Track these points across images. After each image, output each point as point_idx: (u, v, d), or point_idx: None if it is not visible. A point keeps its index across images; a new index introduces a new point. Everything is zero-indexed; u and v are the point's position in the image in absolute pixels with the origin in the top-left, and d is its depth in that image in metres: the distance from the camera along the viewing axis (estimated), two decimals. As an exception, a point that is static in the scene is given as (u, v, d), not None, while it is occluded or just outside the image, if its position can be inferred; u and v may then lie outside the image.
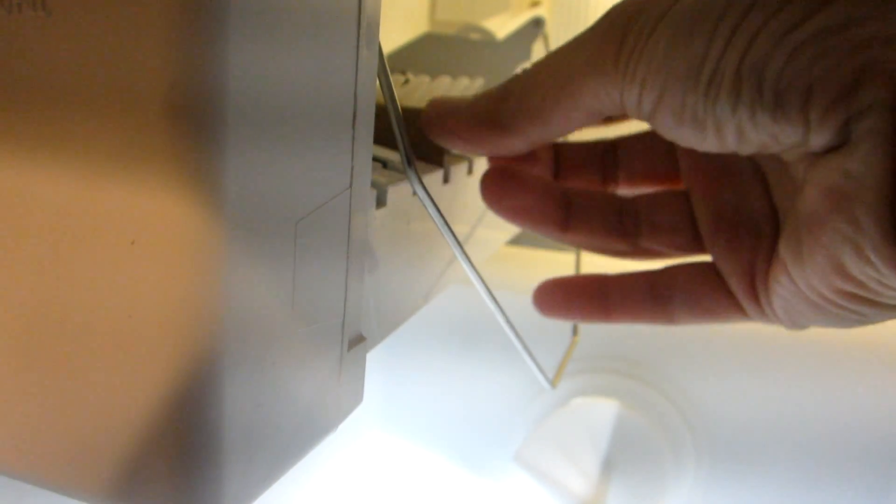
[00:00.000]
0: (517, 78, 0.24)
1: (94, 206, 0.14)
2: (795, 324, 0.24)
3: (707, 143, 0.21)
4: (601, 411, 0.53)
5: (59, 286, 0.15)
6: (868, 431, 0.52)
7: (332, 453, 0.57)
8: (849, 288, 0.20)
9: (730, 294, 0.25)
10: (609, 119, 0.25)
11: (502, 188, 0.27)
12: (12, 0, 0.14)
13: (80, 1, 0.13)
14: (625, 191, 0.30)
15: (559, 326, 0.48)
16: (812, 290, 0.21)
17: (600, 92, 0.22)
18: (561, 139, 0.26)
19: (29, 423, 0.16)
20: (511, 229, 0.45)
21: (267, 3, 0.14)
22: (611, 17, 0.22)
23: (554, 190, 0.28)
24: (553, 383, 0.37)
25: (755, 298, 0.24)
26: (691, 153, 0.27)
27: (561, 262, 0.57)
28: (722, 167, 0.26)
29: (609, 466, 0.53)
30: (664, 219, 0.27)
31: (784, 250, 0.22)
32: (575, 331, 0.44)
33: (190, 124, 0.13)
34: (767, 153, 0.21)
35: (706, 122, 0.20)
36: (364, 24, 0.18)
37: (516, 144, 0.24)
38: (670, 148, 0.28)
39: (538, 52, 0.48)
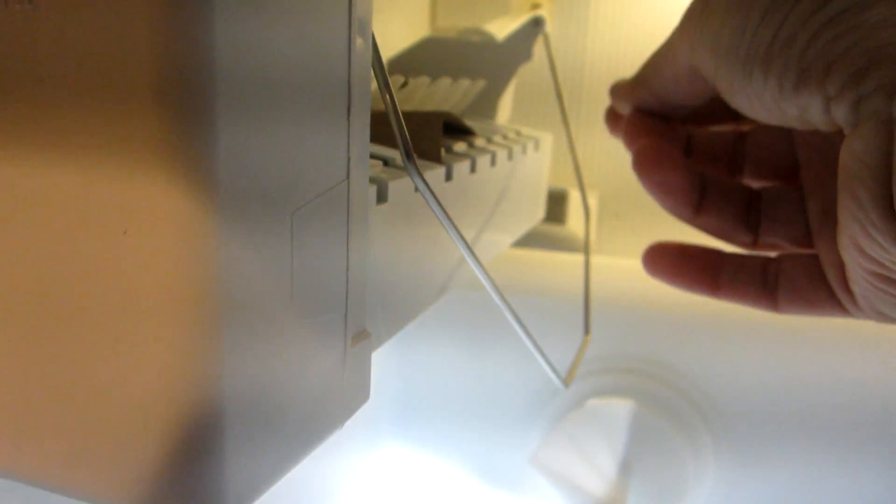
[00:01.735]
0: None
1: (84, 197, 0.14)
2: (878, 314, 0.24)
3: (756, 111, 0.23)
4: (617, 412, 0.52)
5: (51, 278, 0.15)
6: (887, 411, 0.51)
7: (349, 463, 0.57)
8: (873, 267, 0.21)
9: (830, 288, 0.26)
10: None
11: (656, 162, 0.29)
12: (-1, -5, 0.14)
13: (65, -7, 0.13)
14: (750, 182, 0.31)
15: (570, 326, 0.48)
16: (857, 272, 0.22)
17: (683, 59, 0.25)
18: (691, 121, 0.31)
19: (24, 421, 0.16)
20: (516, 231, 0.45)
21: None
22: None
23: (694, 173, 0.30)
24: (566, 383, 0.37)
25: (848, 291, 0.25)
26: (807, 146, 0.28)
27: (569, 263, 0.57)
28: (831, 162, 0.27)
29: (627, 468, 0.52)
30: (782, 212, 0.29)
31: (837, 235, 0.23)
32: (587, 329, 0.43)
33: (179, 109, 0.13)
34: (817, 127, 0.22)
35: (748, 92, 0.23)
36: (356, 13, 0.18)
37: (646, 97, 0.30)
38: (792, 142, 0.30)
39: (539, 52, 0.48)
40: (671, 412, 0.53)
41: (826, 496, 0.53)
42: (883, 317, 0.24)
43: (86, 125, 0.14)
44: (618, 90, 0.32)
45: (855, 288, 0.24)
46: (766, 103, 0.23)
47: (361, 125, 0.19)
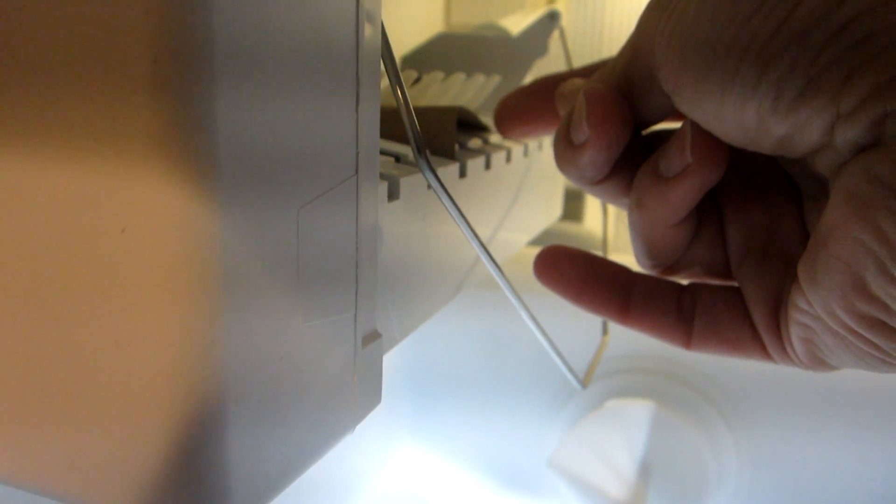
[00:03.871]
0: None
1: (81, 190, 0.14)
2: (815, 361, 0.21)
3: (725, 125, 0.19)
4: (637, 413, 0.51)
5: (48, 276, 0.14)
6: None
7: (364, 464, 0.56)
8: (871, 311, 0.17)
9: (752, 326, 0.23)
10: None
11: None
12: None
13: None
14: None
15: (588, 326, 0.47)
16: (830, 314, 0.19)
17: (643, 55, 0.21)
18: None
19: (22, 425, 0.16)
20: (532, 229, 0.44)
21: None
22: None
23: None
24: (584, 383, 0.36)
25: (776, 331, 0.22)
26: (729, 169, 0.23)
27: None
28: (757, 186, 0.24)
29: (647, 470, 0.51)
30: (699, 236, 0.24)
31: (801, 269, 0.19)
32: (605, 329, 0.42)
33: (177, 96, 0.13)
34: (790, 155, 0.19)
35: (722, 100, 0.18)
36: (363, 7, 0.17)
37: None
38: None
39: (555, 47, 0.47)
40: (692, 412, 0.52)
41: (850, 494, 0.52)
42: (820, 364, 0.21)
43: (81, 114, 0.13)
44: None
45: (794, 330, 0.21)
46: (743, 119, 0.18)
47: (371, 118, 0.18)
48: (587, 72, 0.27)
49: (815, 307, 0.19)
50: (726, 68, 0.18)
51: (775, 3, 0.17)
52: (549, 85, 0.28)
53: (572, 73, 0.28)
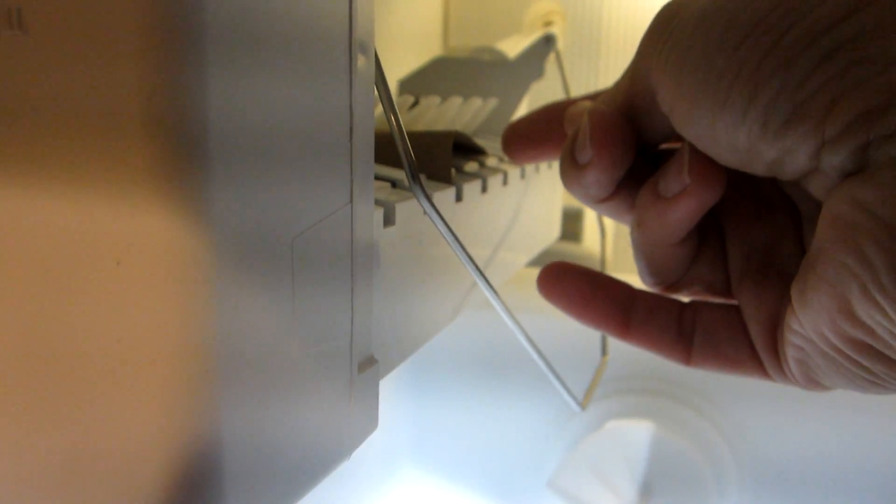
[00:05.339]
0: None
1: (78, 227, 0.14)
2: (810, 381, 0.21)
3: (719, 147, 0.20)
4: (637, 434, 0.51)
5: (46, 310, 0.14)
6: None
7: (367, 490, 0.56)
8: (858, 335, 0.18)
9: (751, 345, 0.23)
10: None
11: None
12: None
13: (57, 18, 0.13)
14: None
15: (588, 346, 0.47)
16: (820, 336, 0.19)
17: (642, 78, 0.22)
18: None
19: (14, 481, 0.16)
20: (531, 250, 0.44)
21: (247, 17, 0.13)
22: (661, 10, 0.22)
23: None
24: (583, 405, 0.36)
25: (773, 351, 0.22)
26: (730, 182, 0.24)
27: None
28: (759, 207, 0.24)
29: (647, 492, 0.51)
30: (700, 253, 0.25)
31: (793, 290, 0.20)
32: (604, 350, 0.42)
33: (171, 136, 0.13)
34: (783, 177, 0.19)
35: (714, 124, 0.19)
36: (356, 39, 0.17)
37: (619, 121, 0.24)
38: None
39: (551, 69, 0.48)
40: (692, 433, 0.52)
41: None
42: (815, 385, 0.21)
43: (77, 156, 0.13)
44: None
45: (789, 351, 0.21)
46: (735, 142, 0.19)
47: (365, 147, 0.19)
48: (597, 97, 0.27)
49: (806, 329, 0.19)
50: (717, 94, 0.19)
51: (763, 32, 0.18)
52: (559, 110, 0.28)
53: (583, 98, 0.28)
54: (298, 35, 0.15)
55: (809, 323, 0.19)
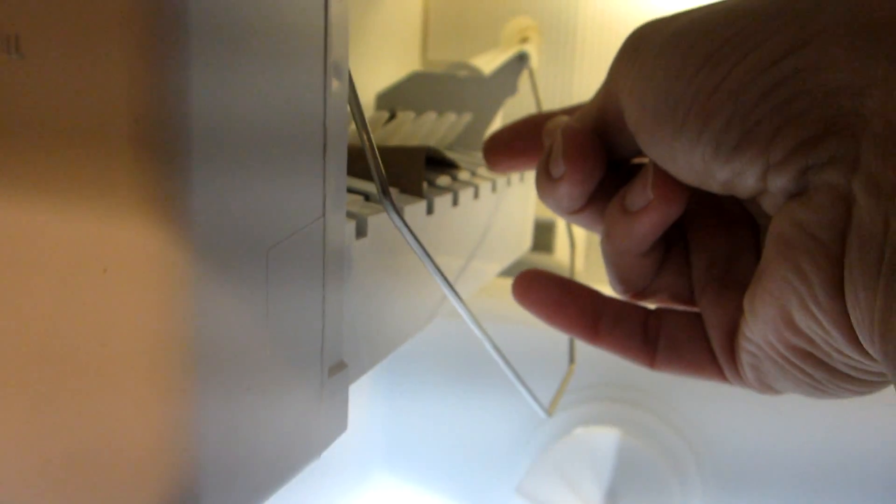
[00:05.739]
0: None
1: (66, 237, 0.15)
2: (763, 385, 0.23)
3: (678, 167, 0.21)
4: (603, 440, 0.53)
5: (32, 315, 0.16)
6: (876, 460, 0.51)
7: (339, 496, 0.57)
8: (799, 343, 0.20)
9: (710, 350, 0.25)
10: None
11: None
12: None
13: (51, 42, 0.14)
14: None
15: (556, 355, 0.48)
16: (768, 343, 0.21)
17: (613, 99, 0.23)
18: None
19: (6, 452, 0.16)
20: (502, 261, 0.46)
21: (228, 39, 0.15)
22: (629, 37, 0.23)
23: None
24: (549, 412, 0.37)
25: (731, 356, 0.24)
26: (694, 196, 0.25)
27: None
28: (721, 221, 0.26)
29: (613, 497, 0.53)
30: (666, 263, 0.26)
31: (745, 300, 0.21)
32: (572, 358, 0.44)
33: (155, 154, 0.14)
34: (738, 195, 0.21)
35: (673, 146, 0.21)
36: (331, 54, 0.19)
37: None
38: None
39: (525, 85, 0.49)
40: (657, 441, 0.53)
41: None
42: (768, 389, 0.23)
43: (67, 170, 0.14)
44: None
45: (744, 356, 0.23)
46: (692, 163, 0.20)
47: (337, 163, 0.20)
48: (574, 111, 0.29)
49: (756, 336, 0.21)
50: (675, 118, 0.20)
51: (716, 63, 0.19)
52: (538, 122, 0.29)
53: (561, 112, 0.30)
54: (277, 55, 0.16)
55: (759, 331, 0.21)
